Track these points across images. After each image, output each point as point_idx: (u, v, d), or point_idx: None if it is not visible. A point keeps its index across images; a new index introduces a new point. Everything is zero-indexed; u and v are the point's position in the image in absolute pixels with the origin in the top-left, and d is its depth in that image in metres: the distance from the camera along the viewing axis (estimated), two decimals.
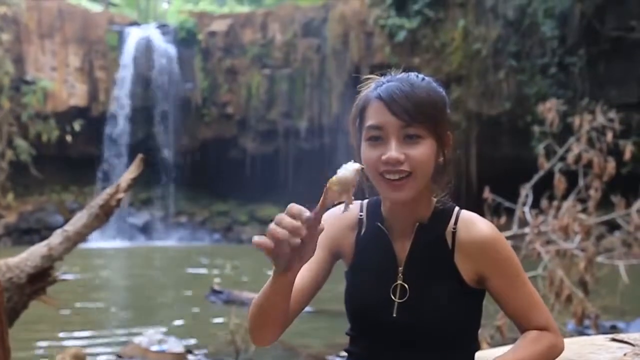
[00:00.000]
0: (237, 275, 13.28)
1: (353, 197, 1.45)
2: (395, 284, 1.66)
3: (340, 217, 1.75)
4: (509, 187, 9.05)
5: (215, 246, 23.09)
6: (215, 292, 9.64)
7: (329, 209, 1.54)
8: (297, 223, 1.36)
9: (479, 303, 1.71)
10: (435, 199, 1.70)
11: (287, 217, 1.37)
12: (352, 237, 1.74)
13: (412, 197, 1.62)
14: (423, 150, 1.59)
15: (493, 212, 6.82)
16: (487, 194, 6.80)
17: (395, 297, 1.66)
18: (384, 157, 1.58)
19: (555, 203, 6.49)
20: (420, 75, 1.67)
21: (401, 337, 1.64)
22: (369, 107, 1.64)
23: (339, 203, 1.49)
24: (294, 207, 1.38)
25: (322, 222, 1.42)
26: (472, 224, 1.66)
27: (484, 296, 1.72)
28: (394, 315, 1.64)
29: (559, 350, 1.67)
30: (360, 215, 1.75)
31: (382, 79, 1.68)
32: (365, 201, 1.77)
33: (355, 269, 1.73)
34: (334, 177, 1.41)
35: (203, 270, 14.16)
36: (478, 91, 22.20)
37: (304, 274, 1.69)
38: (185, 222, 25.63)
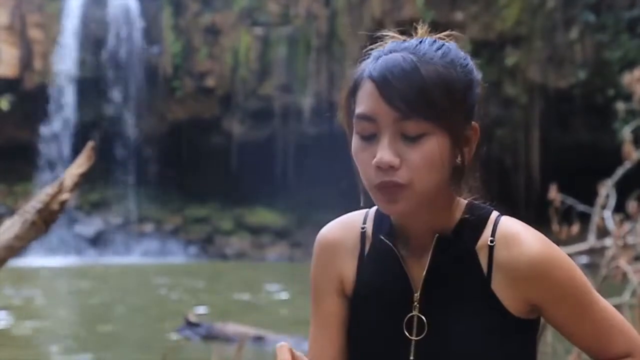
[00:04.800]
0: (220, 302, 13.30)
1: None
2: (409, 315, 1.67)
3: (338, 238, 1.75)
4: (584, 185, 9.01)
5: (191, 263, 23.12)
6: (191, 324, 9.68)
7: None
8: None
9: (532, 335, 1.71)
10: (465, 200, 1.69)
11: None
12: (354, 258, 1.75)
13: (412, 212, 1.62)
14: (426, 153, 1.57)
15: (562, 218, 6.81)
16: (553, 193, 6.79)
17: (410, 334, 1.66)
18: (374, 161, 1.58)
19: None
20: (439, 42, 1.64)
21: None
22: (361, 88, 1.63)
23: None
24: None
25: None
26: (516, 239, 1.64)
27: (539, 326, 1.72)
28: (412, 357, 1.65)
29: None
30: (363, 228, 1.75)
31: (386, 46, 1.66)
32: (373, 209, 1.76)
33: (357, 299, 1.74)
34: None
35: (175, 296, 14.19)
36: (542, 56, 22.14)
37: (324, 344, 1.76)
38: (151, 232, 25.69)
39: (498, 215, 1.69)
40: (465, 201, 1.70)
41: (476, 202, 1.70)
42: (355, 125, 1.62)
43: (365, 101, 1.60)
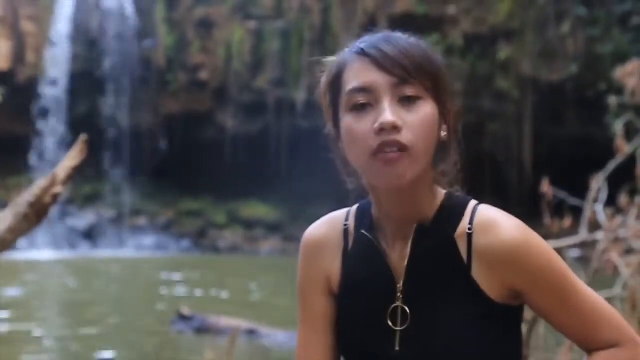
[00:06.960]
0: (213, 295, 13.30)
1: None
2: (393, 306, 1.68)
3: (322, 236, 1.78)
4: (576, 178, 9.04)
5: (184, 256, 23.12)
6: (183, 317, 9.68)
7: None
8: None
9: (515, 321, 1.72)
10: (443, 191, 1.72)
11: None
12: (338, 255, 1.77)
13: (410, 180, 1.62)
14: (424, 115, 1.62)
15: (554, 212, 6.82)
16: (545, 187, 6.80)
17: (395, 325, 1.67)
18: (376, 125, 1.59)
19: (637, 200, 6.49)
20: (408, 35, 1.72)
21: None
22: (348, 69, 1.67)
23: None
24: None
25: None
26: (493, 225, 1.66)
27: (522, 313, 1.73)
28: (397, 348, 1.66)
29: None
30: (346, 225, 1.78)
31: (360, 39, 1.72)
32: (355, 207, 1.79)
33: (343, 294, 1.75)
34: None
35: (167, 289, 14.19)
36: (534, 50, 22.16)
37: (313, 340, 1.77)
38: (144, 226, 25.68)
39: (476, 204, 1.71)
40: (444, 191, 1.72)
41: (454, 193, 1.72)
42: (347, 102, 1.65)
43: (358, 75, 1.64)
